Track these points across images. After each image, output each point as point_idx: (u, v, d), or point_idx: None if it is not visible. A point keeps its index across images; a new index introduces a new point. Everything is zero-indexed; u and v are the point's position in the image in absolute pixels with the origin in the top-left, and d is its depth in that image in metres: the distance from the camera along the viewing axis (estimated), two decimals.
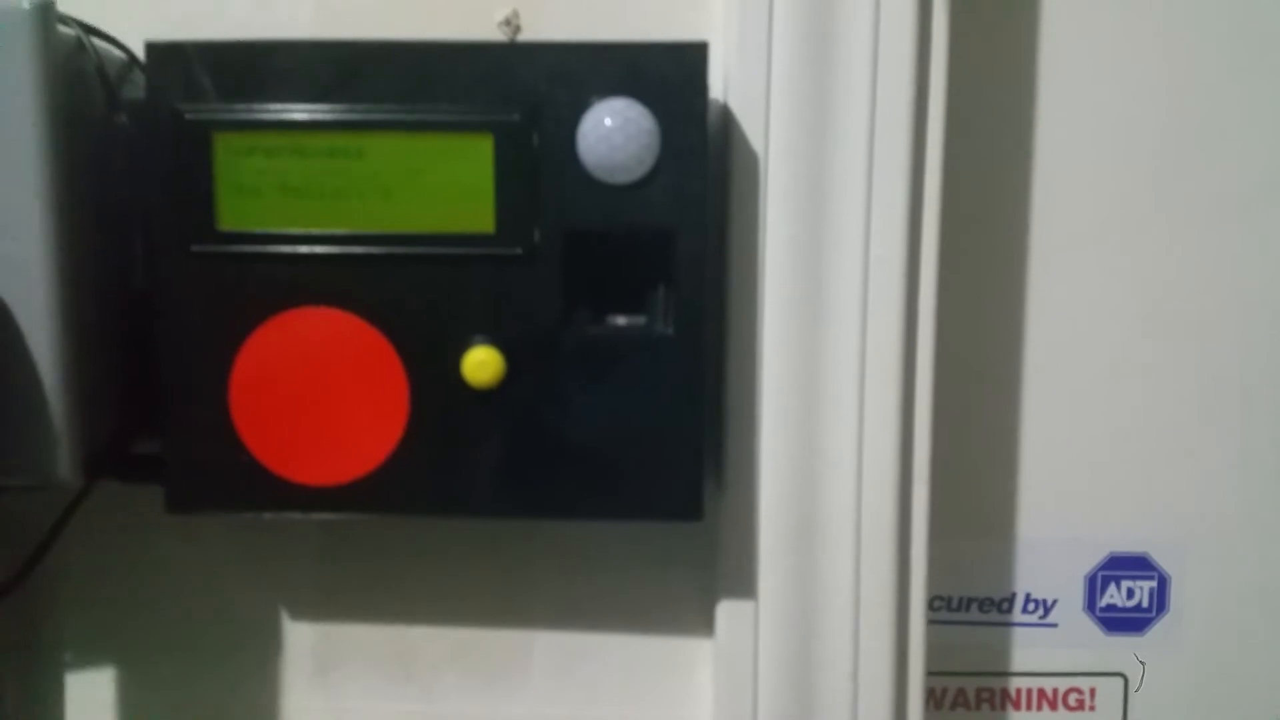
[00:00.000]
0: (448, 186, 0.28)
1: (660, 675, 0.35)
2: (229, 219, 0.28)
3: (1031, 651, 0.36)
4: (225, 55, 0.28)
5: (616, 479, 0.29)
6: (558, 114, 0.28)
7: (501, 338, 0.29)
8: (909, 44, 0.30)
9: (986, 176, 0.34)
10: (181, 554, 0.35)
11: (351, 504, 0.29)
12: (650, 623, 0.35)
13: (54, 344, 0.27)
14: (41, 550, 0.30)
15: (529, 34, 0.33)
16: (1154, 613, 0.36)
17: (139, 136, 0.29)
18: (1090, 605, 0.36)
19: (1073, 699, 0.36)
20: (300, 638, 0.35)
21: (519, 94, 0.28)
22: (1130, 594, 0.36)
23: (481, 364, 0.28)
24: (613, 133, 0.28)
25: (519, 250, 0.28)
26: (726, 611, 0.33)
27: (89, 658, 0.35)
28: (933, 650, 0.32)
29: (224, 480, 0.29)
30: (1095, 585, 0.36)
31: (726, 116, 0.30)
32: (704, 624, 0.34)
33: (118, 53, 0.31)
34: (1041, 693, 0.36)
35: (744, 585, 0.32)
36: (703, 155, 0.28)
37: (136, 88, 0.30)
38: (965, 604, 0.36)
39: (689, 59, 0.28)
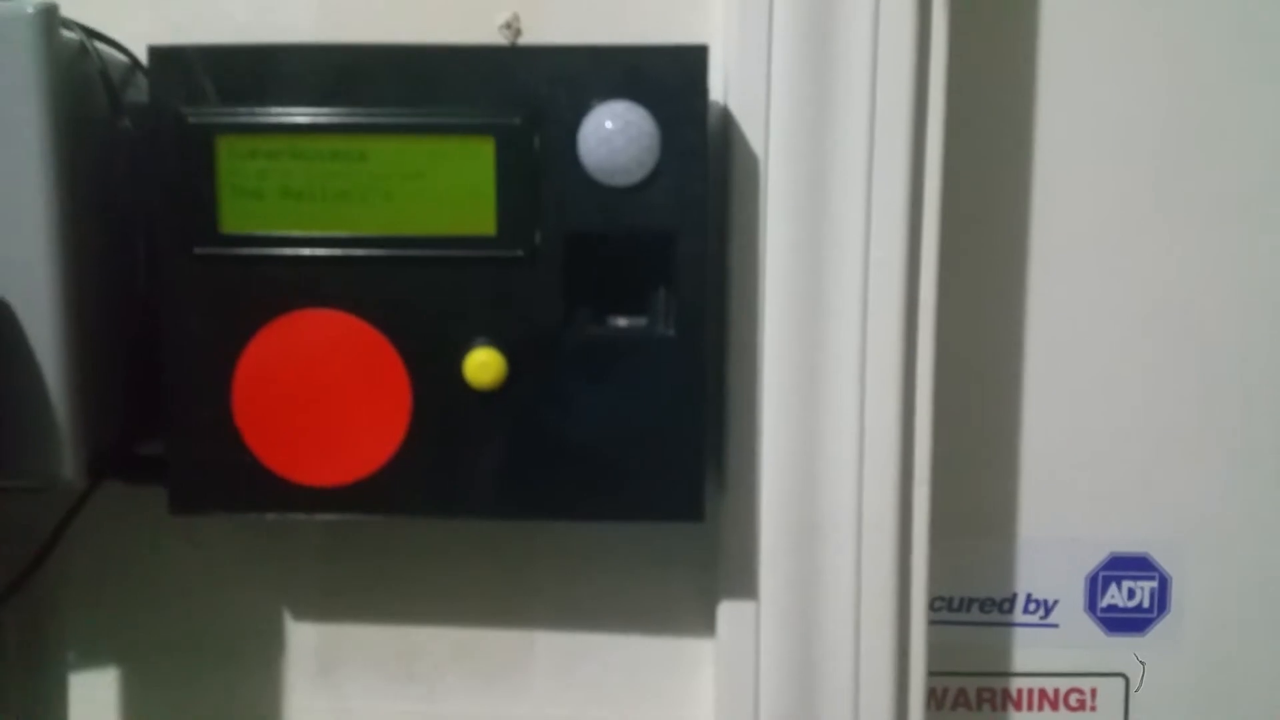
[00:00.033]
0: (449, 189, 0.28)
1: (661, 675, 0.35)
2: (231, 222, 0.28)
3: (1032, 652, 0.36)
4: (227, 59, 0.28)
5: (618, 480, 0.29)
6: (559, 117, 0.28)
7: (503, 339, 0.29)
8: (908, 45, 0.30)
9: (986, 177, 0.34)
10: (184, 555, 0.35)
11: (354, 505, 0.29)
12: (652, 623, 0.35)
13: (58, 346, 0.27)
14: (45, 551, 0.31)
15: (529, 37, 0.33)
16: (1155, 613, 0.36)
17: (142, 140, 0.29)
18: (1091, 605, 0.36)
19: (1074, 699, 0.36)
20: (303, 638, 0.35)
21: (520, 97, 0.28)
22: (1131, 594, 0.36)
23: (483, 365, 0.28)
24: (613, 135, 0.28)
25: (520, 252, 0.28)
26: (728, 612, 0.33)
27: (92, 658, 0.35)
28: (934, 650, 0.32)
29: (227, 481, 0.29)
30: (1096, 585, 0.36)
31: (727, 119, 0.31)
32: (705, 624, 0.34)
33: (120, 57, 0.31)
34: (1043, 693, 0.36)
35: (745, 585, 0.32)
36: (703, 157, 0.28)
37: (139, 91, 0.30)
38: (966, 604, 0.36)
39: (689, 62, 0.28)
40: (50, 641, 0.35)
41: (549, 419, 0.29)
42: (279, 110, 0.28)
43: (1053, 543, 0.36)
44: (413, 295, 0.29)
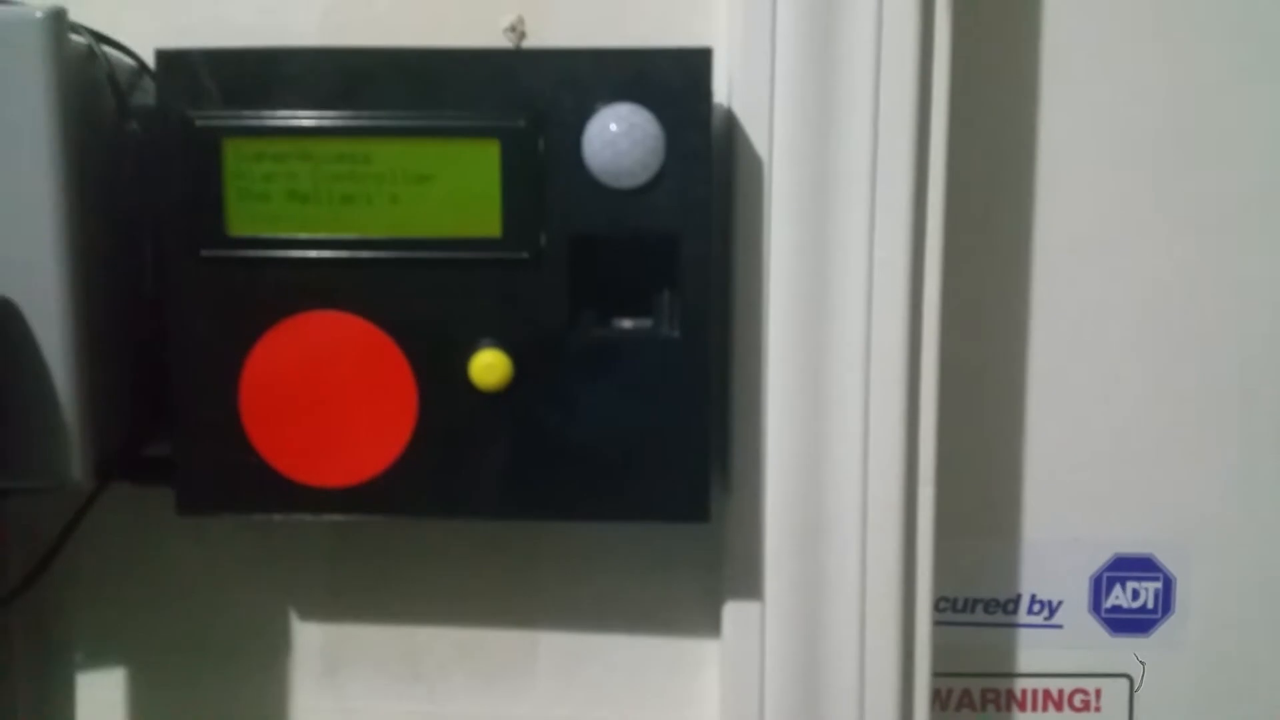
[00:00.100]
0: (454, 192, 0.28)
1: (666, 676, 0.35)
2: (238, 224, 0.28)
3: (1037, 652, 0.36)
4: (234, 62, 0.28)
5: (623, 480, 0.29)
6: (563, 119, 0.28)
7: (508, 341, 0.29)
8: (911, 47, 0.30)
9: (990, 179, 0.34)
10: (191, 555, 0.35)
11: (360, 506, 0.29)
12: (656, 624, 0.35)
13: (66, 348, 0.27)
14: (53, 551, 0.31)
15: (534, 40, 0.33)
16: (1159, 614, 0.36)
17: (149, 143, 0.29)
18: (1095, 606, 0.36)
19: (1078, 700, 0.36)
20: (308, 638, 0.35)
21: (525, 100, 0.28)
22: (1135, 595, 0.36)
23: (489, 367, 0.29)
24: (618, 138, 0.28)
25: (525, 254, 0.29)
26: (733, 612, 0.33)
27: (100, 657, 0.36)
28: (938, 651, 0.32)
29: (234, 482, 0.29)
30: (1100, 586, 0.36)
31: (730, 121, 0.31)
32: (710, 625, 0.34)
33: (128, 60, 0.31)
34: (1047, 694, 0.36)
35: (750, 586, 0.32)
36: (707, 160, 0.28)
37: (146, 95, 0.31)
38: (971, 605, 0.36)
39: (693, 64, 0.28)
40: (58, 641, 0.35)
41: (554, 420, 0.29)
42: (286, 113, 0.28)
43: (1057, 543, 0.36)
44: (419, 297, 0.29)
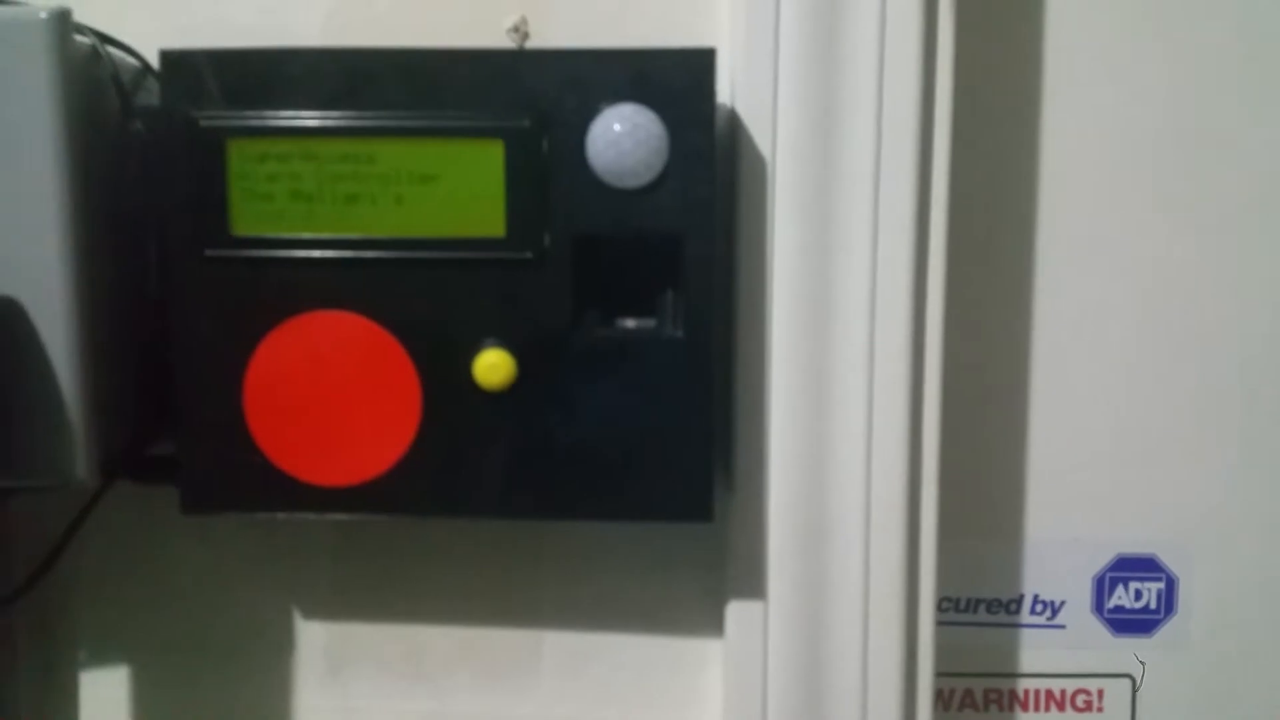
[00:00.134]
0: (459, 192, 0.28)
1: (669, 676, 0.35)
2: (243, 224, 0.28)
3: (1039, 653, 0.36)
4: (238, 63, 0.28)
5: (626, 480, 0.29)
6: (567, 120, 0.28)
7: (512, 341, 0.29)
8: (915, 48, 0.30)
9: (993, 180, 0.34)
10: (194, 554, 0.35)
11: (364, 505, 0.29)
12: (660, 623, 0.35)
13: (71, 347, 0.28)
14: (57, 550, 0.31)
15: (537, 41, 0.33)
16: (1162, 614, 0.36)
17: (153, 143, 0.29)
18: (1098, 607, 0.36)
19: (1080, 700, 0.36)
20: (312, 637, 0.35)
21: (529, 100, 0.28)
22: (1138, 595, 0.36)
23: (493, 366, 0.29)
24: (621, 138, 0.28)
25: (529, 254, 0.29)
26: (736, 612, 0.33)
27: (104, 656, 0.36)
28: (941, 651, 0.32)
29: (238, 481, 0.29)
30: (1103, 587, 0.36)
31: (734, 121, 0.31)
32: (713, 625, 0.34)
33: (132, 61, 0.31)
34: (1049, 694, 0.36)
35: (753, 586, 0.32)
36: (711, 160, 0.28)
37: (150, 95, 0.31)
38: (973, 605, 0.36)
39: (697, 65, 0.28)
40: (62, 639, 0.36)
41: (558, 420, 0.29)
42: (289, 113, 0.28)
43: (1060, 544, 0.36)
44: (423, 297, 0.29)
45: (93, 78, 0.29)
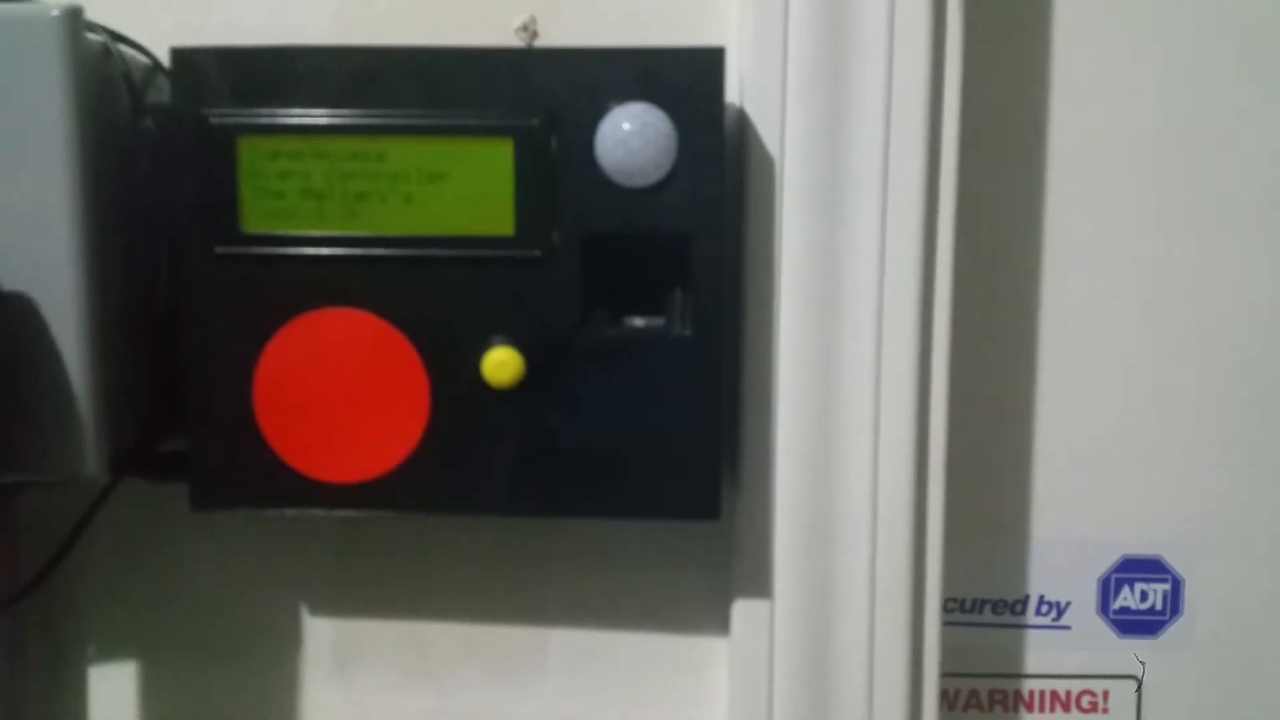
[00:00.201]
0: (468, 190, 0.28)
1: (675, 674, 0.35)
2: (253, 221, 0.29)
3: (1044, 653, 0.36)
4: (249, 61, 0.28)
5: (633, 478, 0.30)
6: (576, 118, 0.28)
7: (521, 338, 0.29)
8: (923, 48, 0.30)
9: (1001, 179, 0.34)
10: (203, 551, 0.35)
11: (372, 501, 0.29)
12: (665, 621, 0.35)
13: (82, 343, 0.28)
14: (66, 546, 0.31)
15: (546, 40, 0.33)
16: (1167, 615, 0.36)
17: (164, 141, 0.29)
18: (1104, 608, 0.36)
19: (1085, 701, 0.36)
20: (319, 633, 0.36)
21: (538, 99, 0.28)
22: (1144, 596, 0.36)
23: (501, 364, 0.29)
24: (630, 137, 0.28)
25: (538, 252, 0.29)
26: (742, 611, 0.33)
27: (112, 651, 0.36)
28: (946, 652, 0.33)
29: (247, 478, 0.29)
30: (1109, 587, 0.36)
31: (742, 120, 0.31)
32: (719, 623, 0.34)
33: (142, 58, 0.31)
34: (1054, 695, 0.36)
35: (759, 585, 0.32)
36: (719, 159, 0.28)
37: (161, 93, 0.31)
38: (979, 605, 0.36)
39: (706, 64, 0.28)
40: (69, 635, 0.36)
41: (566, 418, 0.29)
42: (300, 112, 0.28)
43: (1065, 544, 0.36)
44: (432, 295, 0.29)
45: (104, 75, 0.29)
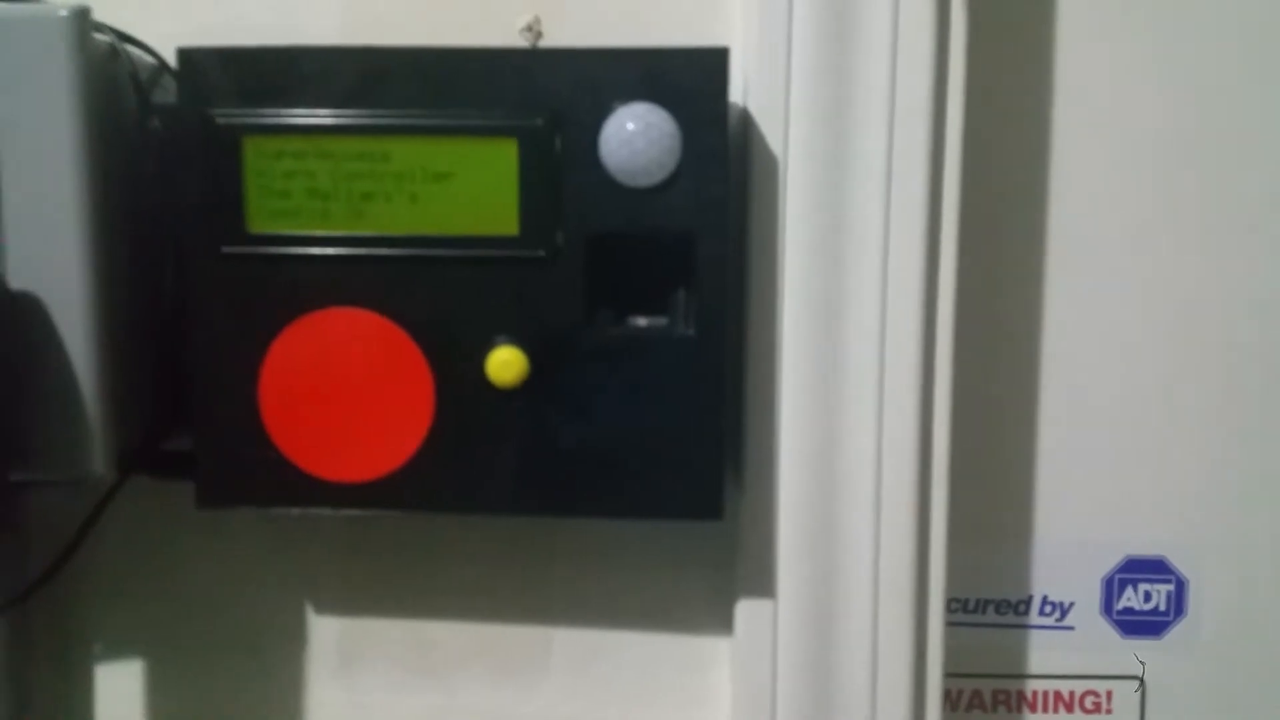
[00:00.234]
0: (472, 190, 0.28)
1: (678, 674, 0.35)
2: (259, 221, 0.29)
3: (1048, 654, 0.36)
4: (254, 61, 0.28)
5: (637, 478, 0.30)
6: (580, 118, 0.28)
7: (525, 338, 0.29)
8: (927, 48, 0.30)
9: (1005, 180, 0.34)
10: (208, 549, 0.35)
11: (377, 500, 0.30)
12: (669, 621, 0.35)
13: (89, 343, 0.28)
14: (73, 545, 0.31)
15: (550, 40, 0.33)
16: (1171, 616, 0.36)
17: (170, 141, 0.29)
18: (1107, 608, 0.36)
19: (1089, 702, 0.36)
20: (324, 632, 0.36)
21: (542, 99, 0.28)
22: (1148, 597, 0.36)
23: (505, 364, 0.29)
24: (635, 137, 0.28)
25: (542, 252, 0.29)
26: (745, 611, 0.33)
27: (118, 648, 0.36)
28: (949, 652, 0.32)
29: (253, 476, 0.29)
30: (1112, 588, 0.36)
31: (746, 120, 0.31)
32: (722, 623, 0.34)
33: (149, 59, 0.31)
34: (1058, 695, 0.36)
35: (763, 585, 0.32)
36: (723, 159, 0.28)
37: (166, 93, 0.31)
38: (982, 606, 0.36)
39: (710, 64, 0.28)
40: (77, 632, 0.36)
41: (569, 417, 0.29)
42: (305, 112, 0.28)
43: (1069, 545, 0.36)
44: (436, 294, 0.29)
45: (111, 75, 0.29)
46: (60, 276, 0.28)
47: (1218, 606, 0.36)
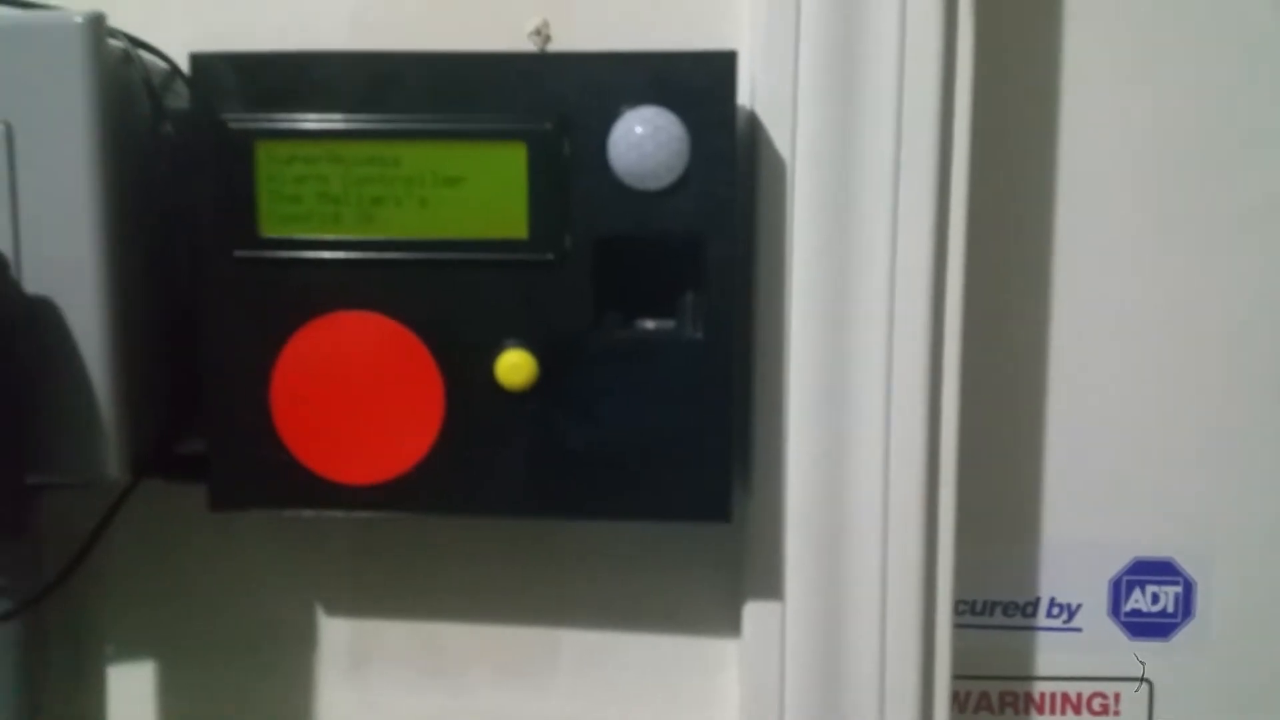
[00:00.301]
0: (482, 194, 0.29)
1: (686, 675, 0.35)
2: (271, 225, 0.29)
3: (1055, 656, 0.36)
4: (266, 66, 0.29)
5: (645, 480, 0.30)
6: (589, 122, 0.28)
7: (534, 341, 0.29)
8: (934, 50, 0.30)
9: (1012, 181, 0.34)
10: (220, 551, 0.35)
11: (388, 503, 0.30)
12: (677, 623, 0.35)
13: (104, 347, 0.28)
14: (87, 547, 0.31)
15: (558, 44, 0.33)
16: (1179, 618, 0.36)
17: (183, 145, 0.30)
18: (1115, 610, 0.36)
19: (1096, 704, 0.36)
20: (334, 633, 0.36)
21: (551, 103, 0.28)
22: (1155, 599, 0.36)
23: (514, 367, 0.29)
24: (643, 140, 0.28)
25: (551, 256, 0.29)
26: (753, 613, 0.33)
27: (131, 649, 0.36)
28: (957, 654, 0.32)
29: (265, 479, 0.30)
30: (1120, 590, 0.36)
31: (754, 123, 0.31)
32: (730, 625, 0.34)
33: (162, 64, 0.32)
34: (1065, 697, 0.36)
35: (770, 587, 0.32)
36: (731, 162, 0.28)
37: (179, 98, 0.31)
38: (990, 608, 0.36)
39: (718, 67, 0.28)
40: (90, 633, 0.36)
41: (578, 420, 0.29)
42: (317, 116, 0.29)
43: (1076, 546, 0.36)
44: (446, 298, 0.29)
45: (125, 81, 0.29)
46: (75, 281, 0.28)
47: (1225, 608, 0.36)
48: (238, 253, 0.29)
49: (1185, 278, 0.35)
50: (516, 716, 0.36)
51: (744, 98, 0.31)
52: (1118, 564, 0.36)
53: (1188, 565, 0.36)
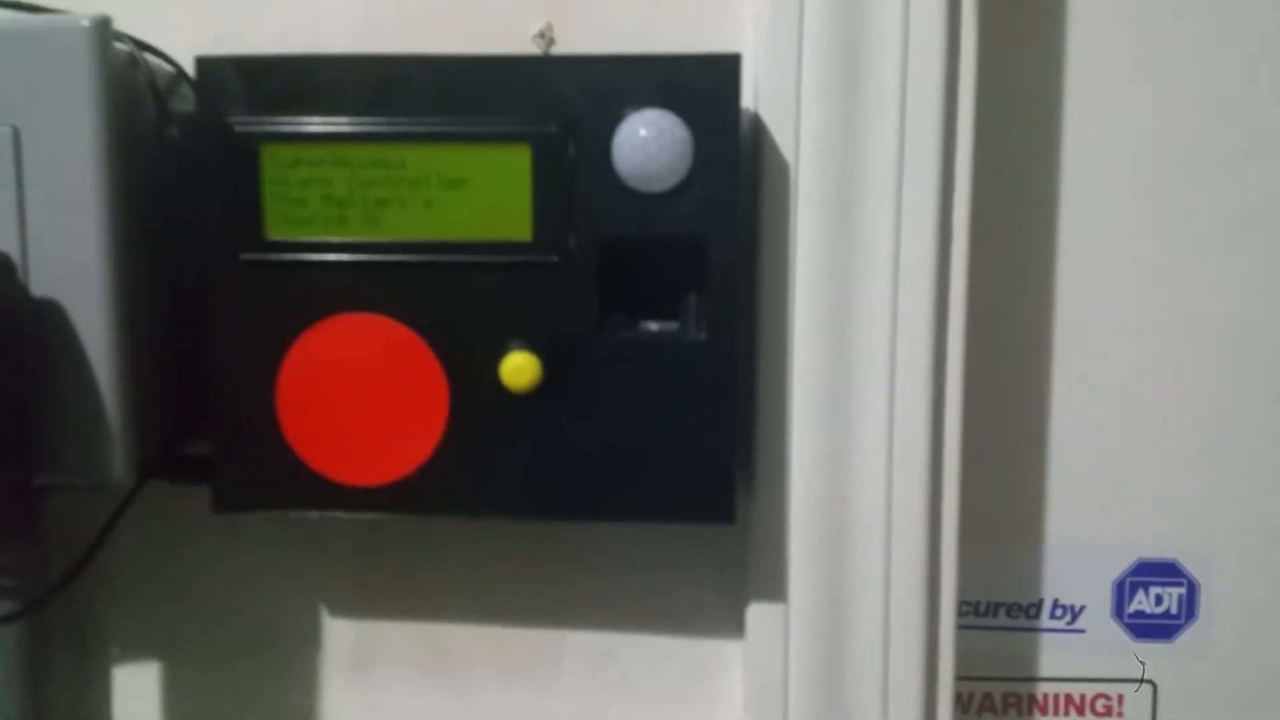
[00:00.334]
0: (486, 196, 0.29)
1: (690, 677, 0.35)
2: (276, 228, 0.29)
3: (1059, 657, 0.36)
4: (271, 70, 0.29)
5: (649, 482, 0.30)
6: (593, 125, 0.28)
7: (538, 343, 0.29)
8: (938, 52, 0.30)
9: (1015, 182, 0.34)
10: (225, 552, 0.36)
11: (392, 504, 0.30)
12: (681, 624, 0.35)
13: (109, 349, 0.28)
14: (93, 549, 0.31)
15: (562, 47, 0.33)
16: (1183, 619, 0.36)
17: (189, 149, 0.30)
18: (1118, 611, 0.36)
19: (1100, 705, 0.36)
20: (339, 634, 0.36)
21: (555, 105, 0.28)
22: (1159, 600, 0.36)
23: (519, 369, 0.29)
24: (647, 142, 0.28)
25: (555, 258, 0.29)
26: (756, 614, 0.33)
27: (136, 650, 0.36)
28: (960, 655, 0.33)
29: (270, 480, 0.30)
30: (1123, 591, 0.36)
31: (757, 125, 0.31)
32: (734, 626, 0.35)
33: (168, 68, 0.32)
34: (1069, 698, 0.36)
35: (774, 588, 0.32)
36: (735, 164, 0.29)
37: (184, 101, 0.31)
38: (993, 609, 0.36)
39: (721, 70, 0.28)
40: (96, 634, 0.36)
41: (582, 421, 0.30)
42: (322, 120, 0.29)
43: (1080, 548, 0.36)
44: (451, 300, 0.29)
45: (131, 84, 0.29)
46: (81, 284, 0.28)
47: (1229, 610, 0.36)
48: (243, 255, 0.29)
49: (1187, 278, 0.35)
50: (520, 717, 0.36)
51: (748, 100, 0.31)
52: (1121, 565, 0.36)
53: (1191, 566, 0.36)
